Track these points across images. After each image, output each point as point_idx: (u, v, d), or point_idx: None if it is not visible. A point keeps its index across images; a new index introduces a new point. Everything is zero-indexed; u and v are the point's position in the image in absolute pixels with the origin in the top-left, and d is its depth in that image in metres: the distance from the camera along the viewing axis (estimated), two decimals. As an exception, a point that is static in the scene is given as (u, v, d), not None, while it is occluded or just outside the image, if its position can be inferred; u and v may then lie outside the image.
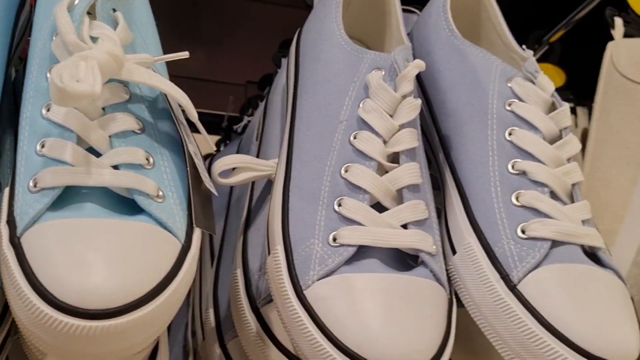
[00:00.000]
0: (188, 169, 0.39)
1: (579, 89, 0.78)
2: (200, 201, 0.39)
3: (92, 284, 0.32)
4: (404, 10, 0.60)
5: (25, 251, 0.33)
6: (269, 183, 0.51)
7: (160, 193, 0.37)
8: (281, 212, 0.43)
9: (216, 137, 0.96)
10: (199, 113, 1.00)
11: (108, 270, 0.33)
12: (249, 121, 0.74)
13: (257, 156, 0.57)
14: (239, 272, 0.49)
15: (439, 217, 0.47)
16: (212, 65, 0.98)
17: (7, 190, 0.37)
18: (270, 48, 0.96)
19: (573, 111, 0.78)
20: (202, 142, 0.99)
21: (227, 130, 0.87)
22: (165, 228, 0.36)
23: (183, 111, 0.42)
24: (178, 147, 0.40)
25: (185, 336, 0.70)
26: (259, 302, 0.46)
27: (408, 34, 0.55)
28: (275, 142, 0.54)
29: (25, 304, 0.32)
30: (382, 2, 0.53)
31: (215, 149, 0.93)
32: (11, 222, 0.35)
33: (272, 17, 0.92)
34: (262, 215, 0.51)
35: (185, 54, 0.41)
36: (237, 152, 0.69)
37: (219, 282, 0.57)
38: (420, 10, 0.61)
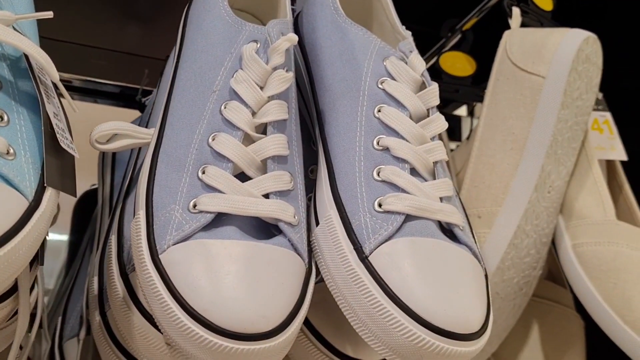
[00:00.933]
0: (43, 128, 0.39)
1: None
2: (56, 162, 0.39)
3: None
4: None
5: None
6: (152, 152, 0.51)
7: (11, 151, 0.37)
8: (147, 177, 0.43)
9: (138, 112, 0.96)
10: (121, 87, 0.99)
11: None
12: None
13: (147, 125, 0.57)
14: (114, 239, 0.49)
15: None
16: (136, 39, 0.97)
17: None
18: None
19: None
20: (125, 115, 0.98)
21: (140, 105, 0.87)
22: (12, 185, 0.36)
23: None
24: (39, 108, 0.40)
25: (81, 306, 0.70)
26: (128, 268, 0.46)
27: (301, 11, 0.55)
28: (159, 111, 0.54)
29: None
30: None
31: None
32: None
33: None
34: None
35: (49, 14, 0.41)
36: (139, 124, 0.68)
37: (105, 251, 0.57)
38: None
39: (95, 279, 0.56)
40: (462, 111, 0.92)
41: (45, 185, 0.37)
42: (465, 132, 0.90)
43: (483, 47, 0.80)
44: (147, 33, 1.01)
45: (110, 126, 0.48)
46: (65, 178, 0.40)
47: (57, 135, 0.39)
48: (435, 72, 0.77)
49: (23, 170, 0.37)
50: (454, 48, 0.79)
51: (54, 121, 0.39)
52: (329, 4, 0.51)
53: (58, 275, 0.86)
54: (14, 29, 0.40)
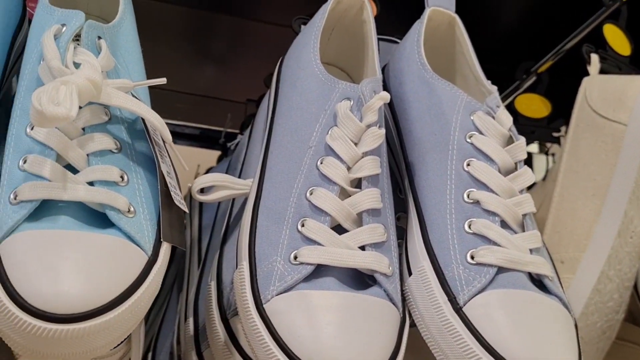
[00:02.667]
0: (159, 187, 0.42)
1: (565, 121, 0.80)
2: (170, 217, 0.42)
3: (59, 290, 0.35)
4: (386, 40, 0.63)
5: (2, 258, 0.37)
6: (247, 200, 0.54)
7: (132, 209, 0.40)
8: (249, 229, 0.46)
9: (218, 152, 0.99)
10: (200, 129, 1.03)
11: (75, 278, 0.36)
12: (241, 139, 0.77)
13: (240, 174, 0.60)
14: (213, 284, 0.51)
15: (403, 239, 0.50)
16: (215, 82, 1.01)
17: (-9, 202, 0.40)
18: (270, 67, 1.00)
19: (559, 142, 0.80)
20: (204, 157, 1.02)
21: (224, 147, 0.90)
22: (134, 242, 0.39)
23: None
24: (153, 167, 0.43)
25: (172, 343, 0.73)
26: (229, 313, 0.49)
27: (387, 64, 0.58)
28: (255, 162, 0.57)
29: (0, 308, 0.35)
30: (361, 34, 0.55)
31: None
32: (-10, 231, 0.38)
33: (275, 38, 0.95)
34: (237, 232, 0.54)
35: (162, 80, 0.44)
36: (227, 169, 0.72)
37: (200, 293, 0.60)
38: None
39: (191, 320, 0.59)
40: (533, 148, 0.93)
41: (161, 240, 0.40)
42: (537, 170, 0.91)
43: (558, 89, 0.81)
44: (222, 75, 1.05)
45: (210, 178, 0.51)
46: (177, 232, 0.43)
47: (171, 193, 0.42)
48: (511, 113, 0.78)
49: (142, 226, 0.40)
50: (529, 90, 0.80)
51: (167, 179, 0.43)
52: (416, 59, 0.53)
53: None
54: (132, 94, 0.43)
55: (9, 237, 0.37)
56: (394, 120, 0.54)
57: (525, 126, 0.78)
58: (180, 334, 0.66)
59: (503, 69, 0.79)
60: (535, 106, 0.78)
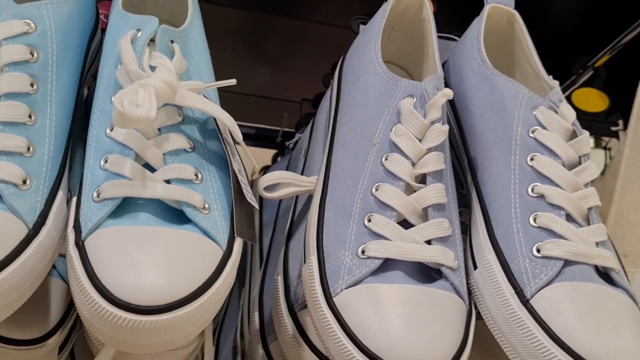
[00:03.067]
0: (232, 184, 0.43)
1: (623, 114, 0.80)
2: (242, 213, 0.44)
3: (143, 283, 0.37)
4: (444, 38, 0.63)
5: (88, 253, 0.39)
6: (310, 198, 0.55)
7: (206, 205, 0.42)
8: (316, 225, 0.47)
9: (273, 151, 1.01)
10: (257, 128, 1.05)
11: (157, 272, 0.37)
12: (299, 137, 0.78)
13: (302, 171, 0.61)
14: (280, 279, 0.53)
15: (465, 233, 0.50)
16: (270, 83, 1.03)
17: (74, 199, 0.42)
18: (325, 67, 1.01)
19: (617, 136, 0.80)
20: (258, 155, 1.04)
21: (281, 145, 0.92)
22: (209, 237, 0.41)
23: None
24: (225, 165, 0.45)
25: (235, 337, 0.75)
26: (296, 307, 0.50)
27: (447, 62, 0.59)
28: (317, 160, 0.58)
29: (87, 300, 0.37)
30: (420, 32, 0.56)
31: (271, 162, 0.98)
32: (77, 227, 0.40)
33: (329, 38, 0.96)
34: (302, 227, 0.55)
35: (232, 81, 0.46)
36: (287, 167, 0.73)
37: (265, 288, 0.62)
38: (460, 38, 0.64)
39: (256, 315, 0.60)
40: (590, 142, 0.92)
41: (235, 235, 0.42)
42: (595, 164, 0.90)
43: (616, 83, 0.81)
44: (277, 75, 1.06)
45: (275, 176, 0.53)
46: (248, 227, 0.44)
47: (243, 190, 0.44)
48: None
49: (217, 222, 0.42)
50: (586, 84, 0.80)
51: (239, 177, 0.44)
52: (476, 56, 0.53)
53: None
54: (203, 95, 0.45)
55: (94, 233, 0.39)
56: (455, 117, 0.55)
57: (583, 120, 0.77)
58: (244, 328, 0.68)
59: (559, 63, 0.79)
60: (593, 100, 0.78)
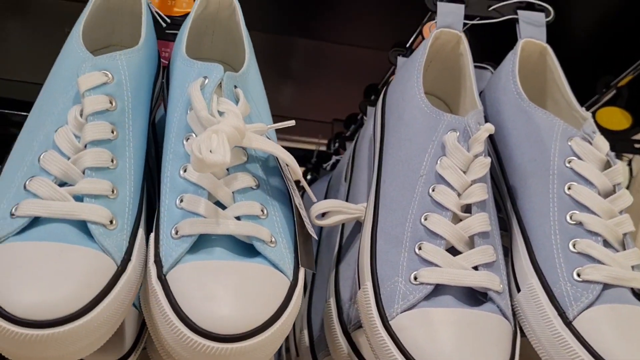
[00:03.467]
0: (295, 218, 0.47)
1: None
2: (304, 245, 0.47)
3: (221, 314, 0.41)
4: (477, 67, 0.67)
5: (170, 286, 0.42)
6: (358, 223, 0.59)
7: (273, 239, 0.46)
8: (369, 252, 0.51)
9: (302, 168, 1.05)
10: (289, 148, 1.09)
11: (234, 303, 0.41)
12: (337, 160, 0.82)
13: (347, 198, 0.65)
14: (332, 301, 0.57)
15: (506, 255, 0.54)
16: (301, 103, 1.07)
17: (152, 236, 0.46)
18: (355, 88, 1.05)
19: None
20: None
21: (316, 166, 0.96)
22: (277, 268, 0.45)
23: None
24: (286, 199, 0.49)
25: (280, 352, 0.79)
26: (350, 327, 0.54)
27: (482, 92, 0.62)
28: (362, 188, 0.62)
29: (172, 328, 0.41)
30: (457, 66, 0.60)
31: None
32: (158, 262, 0.44)
33: (358, 60, 1.00)
34: (351, 252, 0.59)
35: (291, 123, 0.50)
36: (327, 189, 0.77)
37: (312, 307, 0.65)
38: (493, 67, 0.68)
39: (305, 332, 0.64)
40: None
41: (300, 265, 0.46)
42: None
43: (638, 102, 0.84)
44: (307, 96, 1.10)
45: (326, 204, 0.56)
46: (310, 257, 0.48)
47: (304, 223, 0.48)
48: None
49: (283, 254, 0.46)
50: (609, 103, 0.84)
51: (300, 211, 0.48)
52: (512, 89, 0.57)
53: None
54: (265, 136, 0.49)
55: (174, 267, 0.43)
56: (492, 145, 0.58)
57: (607, 138, 0.81)
58: (290, 344, 0.72)
59: (583, 83, 0.83)
60: (616, 119, 0.81)
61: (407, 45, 0.77)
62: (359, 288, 0.51)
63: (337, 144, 0.94)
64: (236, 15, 0.56)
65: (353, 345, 0.53)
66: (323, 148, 1.01)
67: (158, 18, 0.58)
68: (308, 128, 1.05)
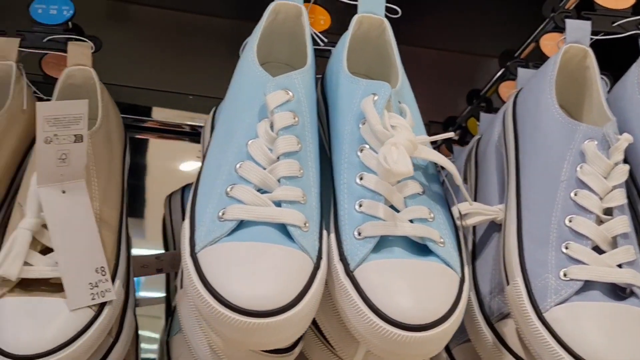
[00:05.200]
0: (456, 220, 0.53)
1: None
2: (464, 243, 0.53)
3: (408, 306, 0.46)
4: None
5: (359, 282, 0.48)
6: (491, 224, 0.64)
7: (442, 240, 0.51)
8: (517, 251, 0.56)
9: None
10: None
11: (418, 297, 0.47)
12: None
13: (475, 199, 0.70)
14: (472, 295, 0.62)
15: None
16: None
17: (332, 236, 0.52)
18: (449, 92, 1.10)
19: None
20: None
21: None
22: (449, 265, 0.50)
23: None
24: (445, 204, 0.54)
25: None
26: (493, 318, 0.59)
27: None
28: (492, 191, 0.67)
29: (363, 319, 0.46)
30: (583, 78, 0.65)
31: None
32: (343, 260, 0.49)
33: (456, 65, 1.06)
34: (487, 249, 0.64)
35: (451, 134, 0.55)
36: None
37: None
38: (607, 76, 0.72)
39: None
40: None
41: (465, 262, 0.51)
42: None
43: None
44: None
45: (467, 206, 0.62)
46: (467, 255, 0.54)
47: (462, 224, 0.53)
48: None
49: (451, 253, 0.51)
50: None
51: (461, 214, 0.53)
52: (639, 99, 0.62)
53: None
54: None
55: (361, 265, 0.49)
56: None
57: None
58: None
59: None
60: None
61: (515, 55, 0.82)
62: (508, 283, 0.56)
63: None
64: (386, 34, 0.61)
65: (498, 335, 0.59)
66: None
67: (317, 39, 0.64)
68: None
